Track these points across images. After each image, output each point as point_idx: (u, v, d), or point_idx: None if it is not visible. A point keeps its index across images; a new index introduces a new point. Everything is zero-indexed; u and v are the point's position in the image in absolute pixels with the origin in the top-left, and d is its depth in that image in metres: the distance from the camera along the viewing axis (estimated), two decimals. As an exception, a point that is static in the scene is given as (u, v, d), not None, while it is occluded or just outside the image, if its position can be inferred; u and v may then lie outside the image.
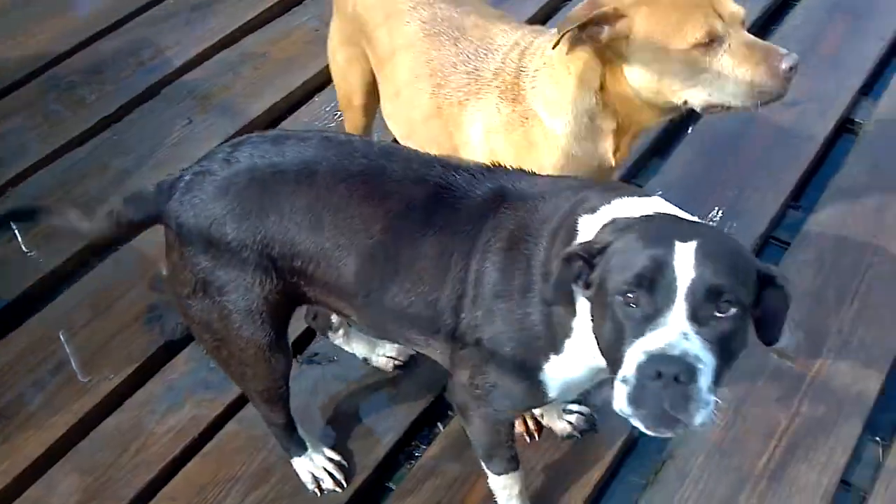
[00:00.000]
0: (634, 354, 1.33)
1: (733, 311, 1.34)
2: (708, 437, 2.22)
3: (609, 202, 1.55)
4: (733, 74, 1.81)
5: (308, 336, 2.43)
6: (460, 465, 2.16)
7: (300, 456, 2.12)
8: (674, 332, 1.31)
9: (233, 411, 2.27)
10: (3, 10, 3.43)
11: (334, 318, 2.27)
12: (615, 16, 1.81)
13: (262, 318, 1.74)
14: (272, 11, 3.44)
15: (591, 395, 2.22)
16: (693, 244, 1.36)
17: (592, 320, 1.47)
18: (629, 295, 1.36)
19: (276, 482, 2.14)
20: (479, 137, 2.06)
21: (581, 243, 1.49)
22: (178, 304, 1.81)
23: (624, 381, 1.34)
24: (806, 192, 2.89)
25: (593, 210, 1.55)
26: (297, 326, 2.38)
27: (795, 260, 2.62)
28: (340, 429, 2.25)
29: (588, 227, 1.53)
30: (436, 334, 1.71)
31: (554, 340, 1.61)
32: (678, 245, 1.36)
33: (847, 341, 2.42)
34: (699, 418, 1.32)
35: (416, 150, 1.81)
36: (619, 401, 1.35)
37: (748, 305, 1.38)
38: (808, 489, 2.13)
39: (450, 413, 2.29)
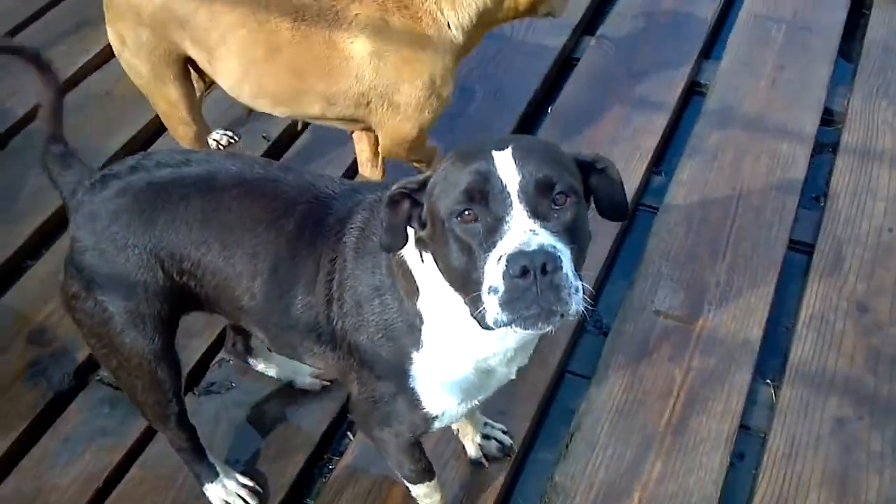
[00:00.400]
0: (493, 263, 1.30)
1: (569, 199, 1.35)
2: (610, 404, 2.29)
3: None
4: None
5: (202, 367, 2.37)
6: (376, 469, 2.16)
7: (212, 482, 2.08)
8: (521, 232, 1.30)
9: (136, 454, 2.20)
10: None
11: (253, 343, 2.24)
12: None
13: (144, 323, 1.72)
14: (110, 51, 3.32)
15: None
16: (508, 150, 1.36)
17: (436, 258, 1.44)
18: (466, 214, 1.35)
19: (192, 518, 2.08)
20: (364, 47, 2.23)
21: (400, 182, 1.47)
22: (66, 304, 1.79)
23: (491, 290, 1.30)
24: (665, 156, 3.01)
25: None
26: (189, 356, 2.35)
27: (666, 222, 2.72)
28: (250, 454, 2.21)
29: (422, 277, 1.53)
30: (321, 344, 1.71)
31: (411, 333, 1.58)
32: (496, 154, 1.36)
33: (725, 292, 2.53)
34: (573, 305, 1.30)
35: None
36: (492, 311, 1.30)
37: (580, 192, 1.39)
38: (710, 438, 2.23)
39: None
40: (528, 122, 3.07)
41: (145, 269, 1.69)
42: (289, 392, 2.32)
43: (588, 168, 1.47)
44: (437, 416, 1.67)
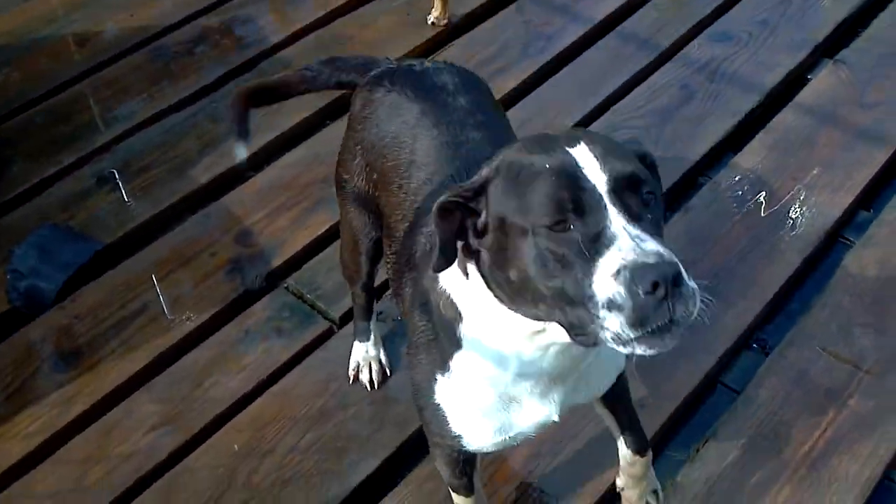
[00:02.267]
0: (606, 276, 1.15)
1: (655, 197, 1.25)
2: (753, 422, 2.27)
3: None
4: None
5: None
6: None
7: (361, 342, 2.33)
8: (629, 239, 1.17)
9: (300, 358, 2.42)
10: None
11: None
12: None
13: (362, 202, 1.94)
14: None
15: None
16: (583, 145, 1.24)
17: (501, 273, 1.28)
18: (558, 223, 1.20)
19: (332, 427, 2.27)
20: None
21: (452, 190, 1.33)
22: (337, 167, 2.04)
23: (612, 307, 1.15)
24: (879, 193, 2.88)
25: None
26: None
27: (860, 258, 2.62)
28: (401, 380, 2.37)
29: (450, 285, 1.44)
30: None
31: (442, 360, 1.51)
32: (572, 151, 1.23)
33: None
34: (697, 308, 1.18)
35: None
36: (614, 327, 1.16)
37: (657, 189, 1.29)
38: (848, 479, 2.15)
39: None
40: (742, 132, 3.03)
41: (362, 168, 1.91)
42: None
43: (642, 162, 1.32)
44: (460, 436, 1.60)
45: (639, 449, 1.96)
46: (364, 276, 2.15)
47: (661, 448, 2.29)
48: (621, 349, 1.19)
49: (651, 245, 1.16)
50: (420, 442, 2.16)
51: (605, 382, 1.71)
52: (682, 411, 2.34)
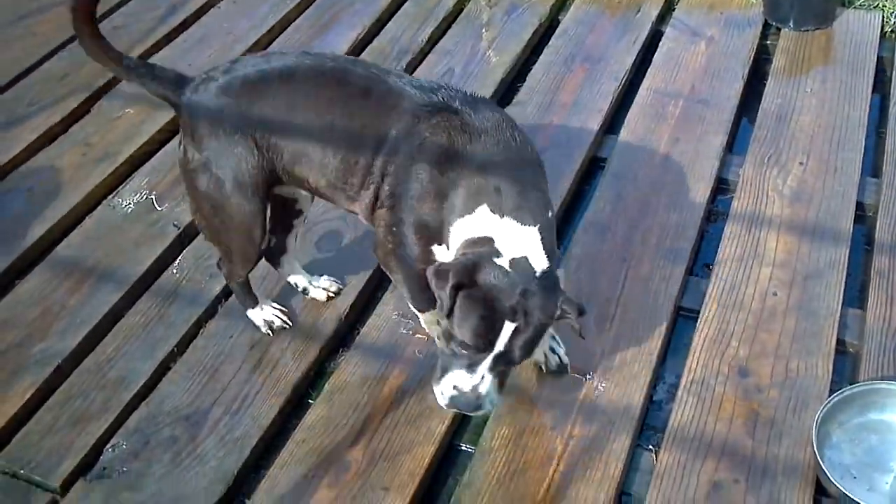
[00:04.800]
0: (450, 377, 2.07)
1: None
2: (492, 475, 2.36)
3: (473, 210, 2.10)
4: None
5: (96, 453, 2.44)
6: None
7: (253, 308, 2.70)
8: (475, 377, 2.04)
9: None
10: None
11: (288, 245, 2.72)
12: None
13: (246, 189, 2.31)
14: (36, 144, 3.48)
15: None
16: (513, 327, 1.97)
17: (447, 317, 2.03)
18: (459, 345, 2.01)
19: None
20: None
21: (443, 269, 2.02)
22: (186, 177, 2.38)
23: (443, 378, 2.09)
24: (563, 229, 3.12)
25: (464, 210, 2.11)
26: (85, 441, 2.42)
27: (558, 294, 2.81)
28: None
29: (458, 228, 2.12)
30: (365, 190, 2.26)
31: (440, 236, 2.18)
32: (507, 325, 1.97)
33: (609, 361, 2.61)
34: (482, 411, 2.12)
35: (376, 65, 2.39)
36: (443, 399, 2.11)
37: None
38: (590, 505, 2.29)
39: (245, 501, 2.35)
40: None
41: (245, 148, 2.27)
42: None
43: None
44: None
45: None
46: (256, 255, 2.53)
47: (415, 525, 2.32)
48: None
49: (483, 387, 2.05)
50: None
51: None
52: (427, 484, 2.39)
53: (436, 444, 2.43)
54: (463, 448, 2.50)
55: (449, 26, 4.04)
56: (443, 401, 2.09)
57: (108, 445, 2.45)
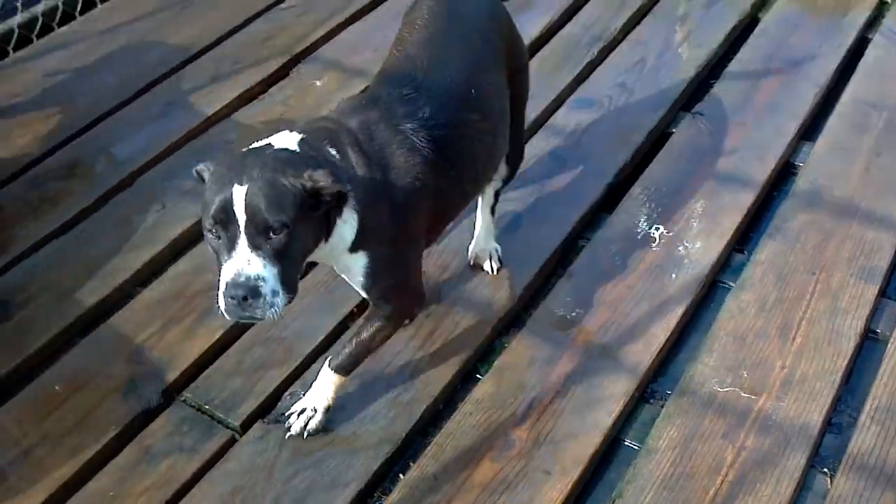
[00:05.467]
0: (223, 279, 1.85)
1: (280, 232, 1.83)
2: (657, 475, 2.33)
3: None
4: None
5: (275, 398, 2.56)
6: (421, 511, 2.28)
7: None
8: (240, 260, 1.83)
9: (203, 472, 2.38)
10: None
11: None
12: None
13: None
14: (239, 100, 3.65)
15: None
16: (244, 188, 1.82)
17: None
18: (212, 230, 1.87)
19: (244, 537, 2.25)
20: None
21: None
22: None
23: (217, 298, 1.88)
24: (749, 236, 3.03)
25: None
26: (265, 385, 2.55)
27: (739, 300, 2.74)
28: (306, 481, 2.36)
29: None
30: None
31: None
32: (235, 188, 1.83)
33: (790, 376, 2.53)
34: (269, 314, 1.86)
35: None
36: (222, 308, 1.89)
37: (292, 221, 1.84)
38: (752, 519, 2.23)
39: (410, 463, 2.41)
40: (614, 192, 3.16)
41: None
42: (347, 430, 2.47)
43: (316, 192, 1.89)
44: None
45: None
46: None
47: (569, 513, 2.33)
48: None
49: (250, 269, 1.83)
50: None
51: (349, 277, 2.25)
52: (589, 474, 2.39)
53: (601, 435, 2.42)
54: (627, 444, 2.48)
55: (644, 16, 3.97)
56: (223, 306, 1.87)
57: (287, 393, 2.56)
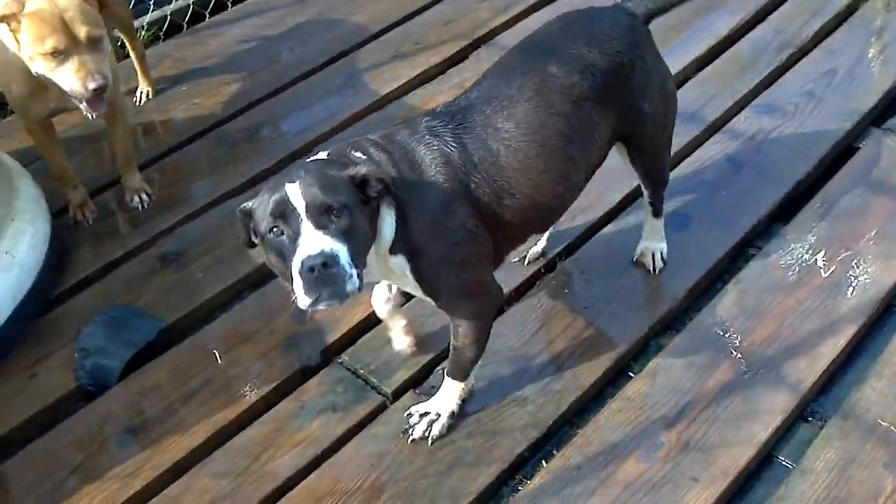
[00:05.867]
0: (296, 265, 1.85)
1: (342, 213, 1.89)
2: (810, 497, 2.24)
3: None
4: (67, 79, 2.72)
5: (427, 371, 2.61)
6: (560, 501, 2.27)
7: None
8: (309, 239, 1.85)
9: (354, 433, 2.46)
10: (180, 82, 3.88)
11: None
12: (14, 19, 2.69)
13: None
14: (417, 80, 3.74)
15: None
16: (296, 183, 1.89)
17: (267, 260, 2.01)
18: (273, 229, 1.90)
19: (386, 499, 2.31)
20: None
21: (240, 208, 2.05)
22: None
23: (296, 281, 1.86)
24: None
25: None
26: (419, 359, 2.60)
27: (917, 328, 2.60)
28: (451, 455, 2.40)
29: None
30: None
31: None
32: (288, 186, 1.89)
33: (965, 412, 2.38)
34: (349, 286, 1.87)
35: None
36: (300, 299, 1.88)
37: (350, 204, 1.91)
38: (909, 555, 2.11)
39: (554, 452, 2.41)
40: (791, 203, 3.04)
41: None
42: (494, 407, 2.49)
43: (362, 182, 1.97)
44: None
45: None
46: None
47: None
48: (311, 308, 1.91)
49: (322, 244, 1.85)
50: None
51: (402, 285, 2.28)
52: (737, 487, 2.32)
53: (755, 449, 2.34)
54: (780, 461, 2.39)
55: (838, 25, 3.81)
56: (301, 291, 1.87)
57: (439, 368, 2.60)
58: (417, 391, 2.55)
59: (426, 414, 2.42)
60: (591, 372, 2.56)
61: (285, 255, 1.89)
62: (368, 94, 3.67)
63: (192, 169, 3.42)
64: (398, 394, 2.55)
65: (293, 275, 1.87)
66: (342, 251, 1.86)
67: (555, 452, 2.41)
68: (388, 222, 2.05)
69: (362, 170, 1.96)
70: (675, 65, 3.53)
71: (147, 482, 2.39)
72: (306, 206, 1.87)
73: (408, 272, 2.13)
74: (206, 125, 3.60)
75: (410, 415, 2.44)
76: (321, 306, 1.90)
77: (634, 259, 2.83)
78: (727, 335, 2.62)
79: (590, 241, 2.96)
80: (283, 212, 1.88)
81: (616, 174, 2.74)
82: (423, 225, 2.09)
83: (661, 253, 2.81)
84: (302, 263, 1.83)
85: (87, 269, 3.03)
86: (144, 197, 3.24)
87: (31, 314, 2.82)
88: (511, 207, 2.20)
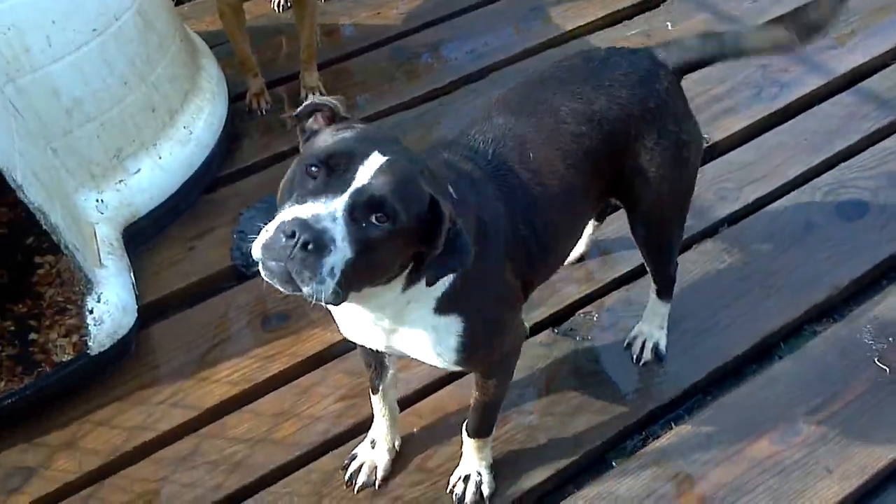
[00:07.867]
0: (287, 212, 1.42)
1: (386, 223, 1.45)
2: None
3: None
4: None
5: (568, 312, 2.60)
6: (685, 465, 2.23)
7: None
8: (326, 209, 1.41)
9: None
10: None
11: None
12: None
13: None
14: (603, 21, 3.66)
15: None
16: (384, 159, 1.48)
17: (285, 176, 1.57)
18: (313, 168, 1.46)
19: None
20: None
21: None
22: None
23: (267, 229, 1.43)
24: None
25: None
26: (561, 300, 2.59)
27: None
28: (582, 395, 2.39)
29: None
30: None
31: None
32: (374, 153, 1.48)
33: None
34: (309, 290, 1.41)
35: None
36: (255, 246, 1.43)
37: (402, 226, 1.47)
38: None
39: (686, 416, 2.37)
40: None
41: None
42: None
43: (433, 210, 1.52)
44: None
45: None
46: None
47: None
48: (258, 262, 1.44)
49: (331, 226, 1.40)
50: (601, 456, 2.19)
51: (421, 349, 1.82)
52: (871, 488, 2.23)
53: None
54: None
55: None
56: (260, 246, 1.42)
57: (581, 311, 2.58)
58: (556, 331, 2.54)
59: (467, 478, 2.21)
60: (735, 345, 2.49)
61: (293, 194, 1.47)
62: (550, 28, 3.61)
63: (364, 77, 3.46)
64: (536, 330, 2.54)
65: (275, 217, 1.45)
66: (338, 251, 1.41)
67: (686, 416, 2.37)
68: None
69: (448, 206, 1.54)
70: (874, 50, 3.36)
71: (284, 367, 2.48)
72: (363, 186, 1.45)
73: (456, 334, 1.77)
74: (384, 36, 3.62)
75: (454, 485, 2.22)
76: (264, 275, 1.45)
77: (626, 342, 2.51)
78: (886, 331, 2.49)
79: (758, 212, 2.86)
80: (341, 164, 1.47)
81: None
82: (481, 285, 1.79)
83: (657, 346, 2.46)
84: (286, 222, 1.40)
85: (254, 157, 3.13)
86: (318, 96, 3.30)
87: (200, 188, 2.94)
88: (547, 265, 2.04)
